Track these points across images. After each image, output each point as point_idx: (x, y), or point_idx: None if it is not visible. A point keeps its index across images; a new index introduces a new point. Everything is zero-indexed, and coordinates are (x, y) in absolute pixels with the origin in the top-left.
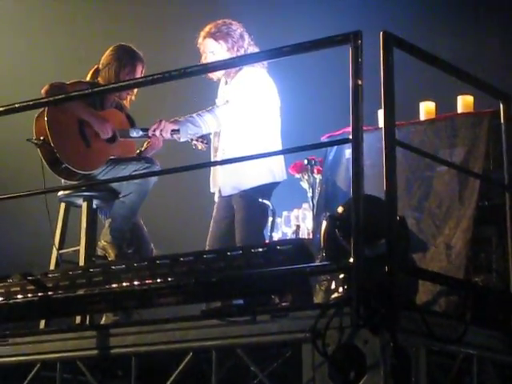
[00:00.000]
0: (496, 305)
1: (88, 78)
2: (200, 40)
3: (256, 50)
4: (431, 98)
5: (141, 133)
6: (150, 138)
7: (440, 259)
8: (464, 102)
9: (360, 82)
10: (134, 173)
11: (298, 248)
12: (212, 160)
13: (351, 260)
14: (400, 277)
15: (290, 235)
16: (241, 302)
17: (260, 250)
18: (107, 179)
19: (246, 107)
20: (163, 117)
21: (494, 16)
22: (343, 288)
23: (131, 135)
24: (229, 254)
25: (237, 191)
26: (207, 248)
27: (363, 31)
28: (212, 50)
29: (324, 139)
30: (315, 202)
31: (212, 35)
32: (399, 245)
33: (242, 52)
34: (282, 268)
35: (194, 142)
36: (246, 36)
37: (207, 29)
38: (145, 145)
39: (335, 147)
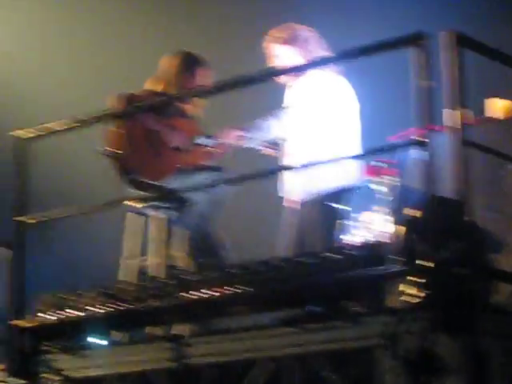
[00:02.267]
0: None
1: (148, 87)
2: (266, 44)
3: (324, 53)
4: (498, 95)
5: (207, 140)
6: (216, 145)
7: None
8: None
9: (427, 83)
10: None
11: (370, 252)
12: (280, 165)
13: (428, 263)
14: (480, 280)
15: (361, 239)
16: (315, 308)
17: (333, 255)
18: (178, 188)
19: (310, 110)
20: (228, 123)
21: None
22: (420, 292)
23: (198, 143)
24: (300, 260)
25: (307, 196)
26: (279, 254)
27: (428, 30)
28: (277, 53)
29: (393, 140)
30: (388, 204)
31: (278, 39)
32: (476, 246)
33: (307, 56)
34: (357, 272)
35: (262, 147)
36: (313, 40)
37: (273, 33)
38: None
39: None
